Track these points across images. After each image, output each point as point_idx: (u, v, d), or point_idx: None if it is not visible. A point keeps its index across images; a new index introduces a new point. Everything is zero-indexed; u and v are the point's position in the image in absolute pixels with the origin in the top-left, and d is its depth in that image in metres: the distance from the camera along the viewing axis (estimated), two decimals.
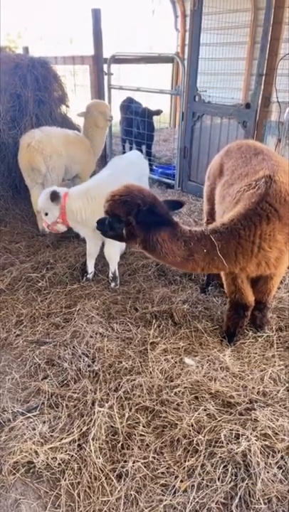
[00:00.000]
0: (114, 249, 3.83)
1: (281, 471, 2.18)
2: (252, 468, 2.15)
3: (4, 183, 5.31)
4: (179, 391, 2.65)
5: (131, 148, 7.21)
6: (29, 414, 2.53)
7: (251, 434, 2.32)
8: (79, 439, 2.36)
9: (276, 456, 2.23)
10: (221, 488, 2.10)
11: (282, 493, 2.08)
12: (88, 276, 4.00)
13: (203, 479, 2.14)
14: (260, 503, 2.04)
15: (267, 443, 2.28)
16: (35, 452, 2.27)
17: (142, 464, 2.22)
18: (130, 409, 2.53)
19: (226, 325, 3.16)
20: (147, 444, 2.33)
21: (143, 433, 2.39)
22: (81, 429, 2.41)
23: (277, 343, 3.10)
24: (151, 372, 2.81)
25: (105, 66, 6.67)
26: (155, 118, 6.98)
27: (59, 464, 2.24)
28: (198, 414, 2.48)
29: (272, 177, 2.62)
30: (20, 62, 5.22)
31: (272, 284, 3.03)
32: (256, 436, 2.31)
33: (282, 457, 2.23)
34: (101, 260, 4.15)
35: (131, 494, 2.10)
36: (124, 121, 7.32)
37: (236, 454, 2.22)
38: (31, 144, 4.52)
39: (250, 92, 6.18)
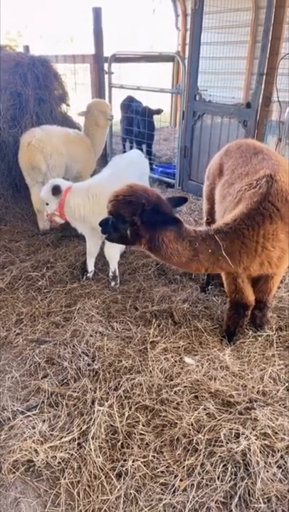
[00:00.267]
0: (114, 249, 3.83)
1: (281, 470, 2.18)
2: (251, 467, 2.16)
3: (4, 182, 5.31)
4: (178, 390, 2.65)
5: (131, 148, 7.19)
6: (29, 413, 2.54)
7: (251, 433, 2.32)
8: (79, 438, 2.37)
9: (276, 456, 2.23)
10: (221, 487, 2.10)
11: (281, 492, 2.09)
12: (88, 275, 4.00)
13: (202, 478, 2.15)
14: (260, 503, 2.04)
15: (266, 442, 2.29)
16: (35, 451, 2.28)
17: (141, 462, 2.22)
18: (130, 408, 2.53)
19: (226, 324, 3.16)
20: (147, 443, 2.33)
21: (143, 432, 2.39)
22: (81, 428, 2.41)
23: (277, 342, 3.11)
24: (151, 372, 2.81)
25: (106, 65, 6.67)
26: (155, 117, 6.97)
27: (59, 462, 2.24)
28: (198, 413, 2.48)
29: (273, 176, 2.62)
30: (21, 60, 5.22)
31: (273, 283, 3.02)
32: (256, 435, 2.32)
33: (281, 456, 2.23)
34: (101, 259, 4.15)
35: (130, 493, 2.10)
36: (125, 120, 7.30)
37: (236, 453, 2.22)
38: (32, 142, 4.52)
39: (251, 92, 6.16)
